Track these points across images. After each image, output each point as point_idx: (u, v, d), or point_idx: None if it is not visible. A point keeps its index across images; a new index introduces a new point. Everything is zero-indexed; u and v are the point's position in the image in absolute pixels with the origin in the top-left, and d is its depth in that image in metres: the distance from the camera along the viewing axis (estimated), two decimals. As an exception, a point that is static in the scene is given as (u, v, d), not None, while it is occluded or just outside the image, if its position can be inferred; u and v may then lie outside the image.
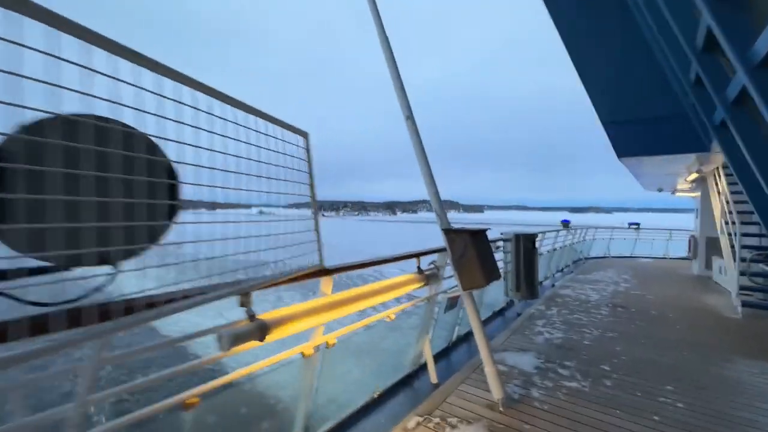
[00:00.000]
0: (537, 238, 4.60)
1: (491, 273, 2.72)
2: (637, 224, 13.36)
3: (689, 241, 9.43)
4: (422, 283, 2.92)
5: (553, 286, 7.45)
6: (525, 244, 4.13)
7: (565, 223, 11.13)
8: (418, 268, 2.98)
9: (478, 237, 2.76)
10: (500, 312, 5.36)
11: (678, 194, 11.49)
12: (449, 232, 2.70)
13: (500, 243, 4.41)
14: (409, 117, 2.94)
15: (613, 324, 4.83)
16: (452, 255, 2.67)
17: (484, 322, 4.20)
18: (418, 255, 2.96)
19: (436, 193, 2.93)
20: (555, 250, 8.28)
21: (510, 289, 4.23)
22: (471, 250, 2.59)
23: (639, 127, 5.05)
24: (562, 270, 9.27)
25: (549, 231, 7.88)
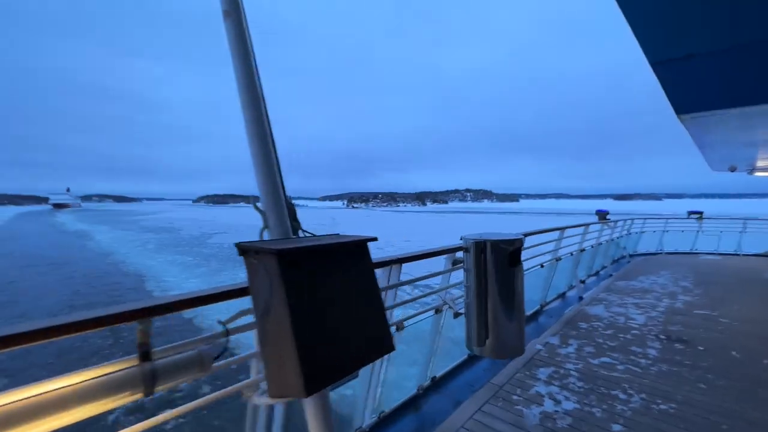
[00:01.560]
0: (532, 244, 3.48)
1: (345, 359, 1.27)
2: (699, 213, 10.82)
3: None
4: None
5: (580, 299, 5.36)
6: (496, 259, 2.33)
7: (602, 213, 8.75)
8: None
9: (329, 261, 1.32)
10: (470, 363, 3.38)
11: (759, 173, 8.61)
12: (249, 251, 1.26)
13: (459, 255, 2.72)
14: (230, 14, 1.58)
15: (668, 379, 2.97)
16: (254, 306, 1.29)
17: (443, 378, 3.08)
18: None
19: (272, 172, 1.59)
20: (583, 250, 5.95)
21: (470, 341, 2.51)
22: (283, 298, 1.13)
23: (708, 64, 2.97)
24: (597, 273, 7.18)
25: (574, 226, 5.56)
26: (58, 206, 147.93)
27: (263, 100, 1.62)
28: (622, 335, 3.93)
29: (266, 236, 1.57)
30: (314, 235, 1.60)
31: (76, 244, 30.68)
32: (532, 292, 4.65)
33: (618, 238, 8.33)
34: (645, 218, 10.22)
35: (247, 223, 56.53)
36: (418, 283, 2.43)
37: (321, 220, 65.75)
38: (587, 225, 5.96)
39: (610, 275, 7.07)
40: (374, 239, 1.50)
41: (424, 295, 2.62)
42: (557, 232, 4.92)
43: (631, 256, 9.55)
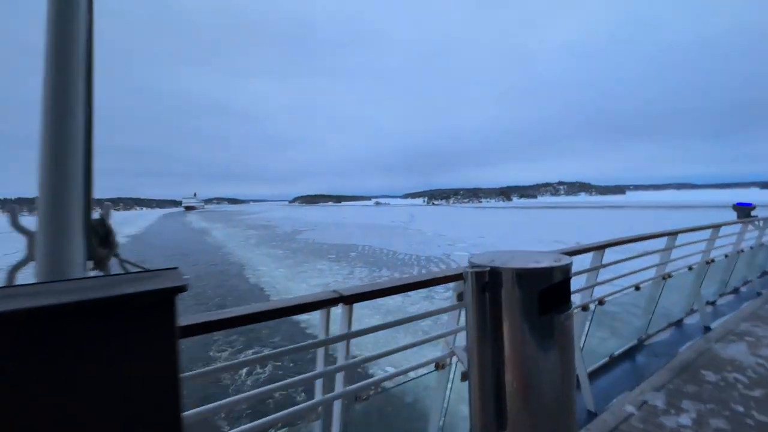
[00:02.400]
0: (605, 264, 2.50)
1: None
2: None
3: None
4: None
5: (706, 330, 3.81)
6: (515, 299, 1.34)
7: (743, 208, 5.49)
8: None
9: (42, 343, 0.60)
10: None
11: None
12: None
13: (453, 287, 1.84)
14: None
15: None
16: None
17: None
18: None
19: (63, 170, 0.91)
20: (711, 261, 4.24)
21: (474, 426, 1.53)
22: None
23: None
24: (736, 291, 5.30)
25: (693, 229, 3.95)
26: (189, 208, 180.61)
27: (84, 68, 0.97)
28: None
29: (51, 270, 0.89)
30: (129, 273, 1.02)
31: (199, 239, 37.85)
32: (626, 316, 3.49)
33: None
34: None
35: (329, 221, 61.67)
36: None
37: (401, 217, 67.87)
38: (717, 226, 4.22)
39: (759, 294, 5.02)
40: (182, 289, 0.73)
41: (417, 343, 1.69)
42: (664, 239, 3.41)
43: None
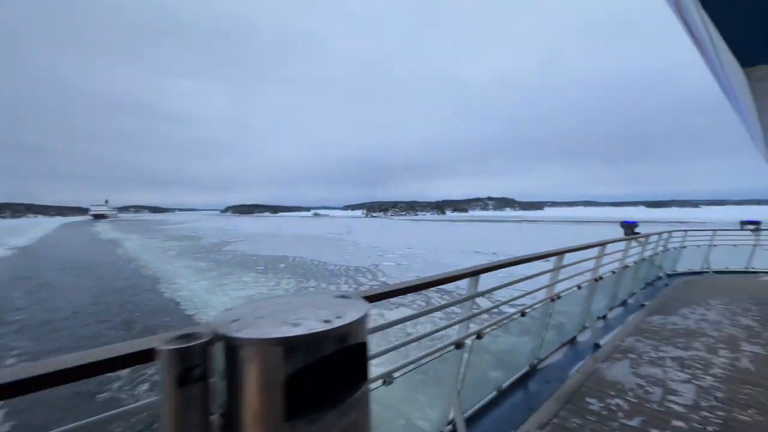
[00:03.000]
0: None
1: None
2: (756, 222, 9.01)
3: None
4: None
5: (596, 347, 3.84)
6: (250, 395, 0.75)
7: (629, 225, 6.45)
8: None
9: None
10: None
11: None
12: None
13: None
14: None
15: None
16: None
17: None
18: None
19: None
20: (599, 279, 4.23)
21: None
22: None
23: None
24: (624, 303, 5.52)
25: (582, 248, 3.84)
26: (98, 216, 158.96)
27: None
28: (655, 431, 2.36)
29: None
30: None
31: (108, 251, 33.83)
32: (518, 345, 3.33)
33: (652, 256, 6.52)
34: (686, 230, 8.41)
35: (263, 232, 59.33)
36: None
37: (338, 229, 67.73)
38: (603, 244, 4.17)
39: (642, 305, 5.28)
40: None
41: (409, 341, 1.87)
42: (552, 260, 3.23)
43: (669, 276, 7.82)
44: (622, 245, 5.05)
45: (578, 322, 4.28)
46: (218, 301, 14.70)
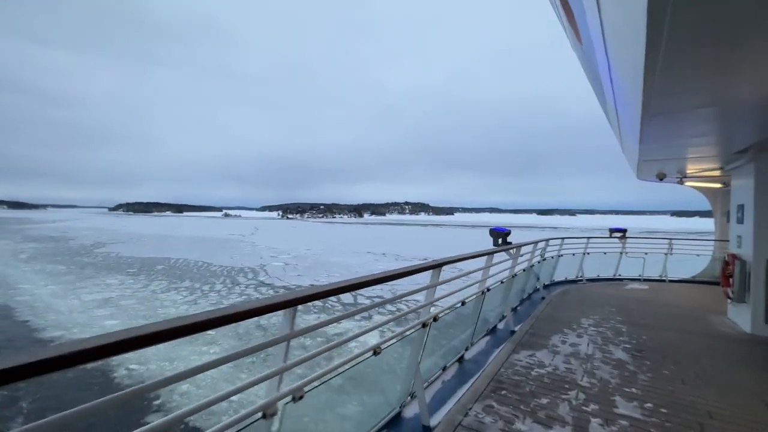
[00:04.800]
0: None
1: None
2: (622, 231, 9.32)
3: (727, 264, 5.42)
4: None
5: (512, 333, 4.57)
6: None
7: (498, 234, 5.02)
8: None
9: None
10: None
11: (689, 183, 8.04)
12: None
13: None
14: None
15: None
16: None
17: None
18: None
19: None
20: (486, 292, 3.92)
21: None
22: None
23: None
24: (493, 329, 4.81)
25: (459, 259, 3.26)
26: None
27: None
28: None
29: None
30: None
31: (-70, 255, 27.58)
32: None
33: (531, 266, 6.22)
34: (563, 239, 8.09)
35: (154, 234, 53.89)
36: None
37: (244, 230, 64.77)
38: (490, 253, 4.04)
39: (512, 332, 4.65)
40: None
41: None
42: (427, 274, 2.75)
43: (546, 286, 7.75)
44: (504, 257, 4.87)
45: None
46: (65, 304, 13.68)
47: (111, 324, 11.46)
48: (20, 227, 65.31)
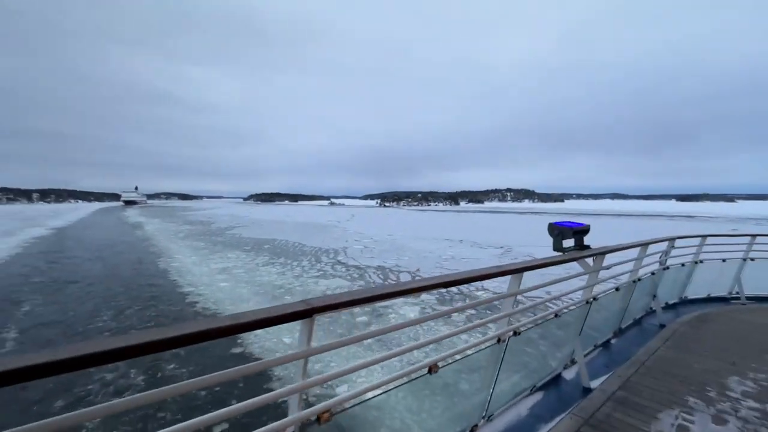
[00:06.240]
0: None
1: None
2: None
3: None
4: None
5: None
6: None
7: (563, 230, 2.88)
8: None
9: None
10: None
11: None
12: None
13: None
14: None
15: None
16: None
17: None
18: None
19: None
20: (500, 340, 2.35)
21: None
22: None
23: None
24: (555, 381, 3.22)
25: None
26: (129, 203, 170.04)
27: None
28: None
29: None
30: None
31: (129, 232, 38.95)
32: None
33: (638, 280, 4.07)
34: (703, 237, 5.32)
35: (270, 219, 63.88)
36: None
37: (340, 217, 71.49)
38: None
39: (585, 390, 3.02)
40: None
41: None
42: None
43: (669, 307, 5.40)
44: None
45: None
46: (198, 270, 18.50)
47: (224, 285, 15.25)
48: (183, 213, 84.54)
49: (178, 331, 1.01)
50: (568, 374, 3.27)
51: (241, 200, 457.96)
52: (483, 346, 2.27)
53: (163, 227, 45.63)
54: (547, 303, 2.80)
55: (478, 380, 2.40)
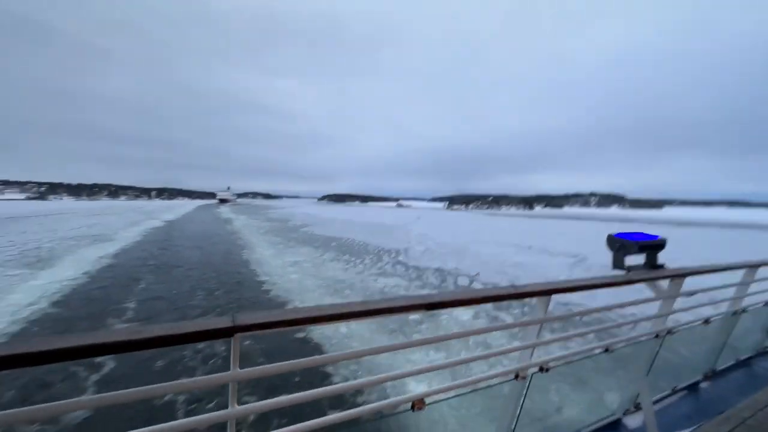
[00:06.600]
0: None
1: None
2: None
3: None
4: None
5: None
6: None
7: (626, 244, 2.19)
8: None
9: None
10: None
11: None
12: None
13: None
14: None
15: None
16: None
17: None
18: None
19: None
20: (545, 369, 1.89)
21: None
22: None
23: None
24: (614, 426, 2.58)
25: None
26: (222, 200, 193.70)
27: None
28: None
29: None
30: None
31: (221, 226, 44.60)
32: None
33: (742, 312, 3.40)
34: None
35: (340, 218, 67.27)
36: None
37: (405, 219, 72.29)
38: (583, 287, 2.03)
39: None
40: None
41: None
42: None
43: None
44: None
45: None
46: (274, 262, 20.60)
47: (293, 277, 16.80)
48: (265, 211, 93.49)
49: (55, 344, 0.89)
50: (632, 421, 2.54)
51: (316, 200, 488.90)
52: (496, 381, 1.79)
53: (248, 223, 51.24)
54: (598, 331, 2.13)
55: (487, 419, 1.99)
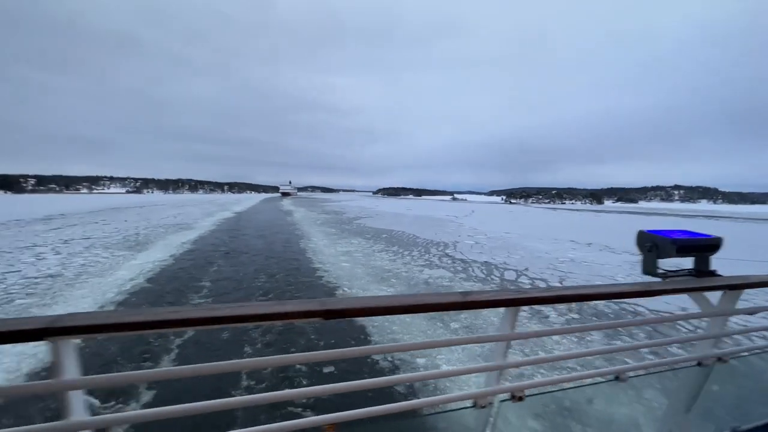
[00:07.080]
0: None
1: None
2: None
3: None
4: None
5: None
6: None
7: (664, 242, 1.54)
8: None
9: None
10: None
11: None
12: None
13: None
14: None
15: None
16: None
17: None
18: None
19: None
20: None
21: None
22: None
23: None
24: None
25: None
26: (285, 194, 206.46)
27: None
28: None
29: None
30: None
31: (283, 218, 48.16)
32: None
33: None
34: None
35: (393, 212, 68.34)
36: None
37: (459, 213, 71.24)
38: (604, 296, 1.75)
39: None
40: None
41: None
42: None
43: None
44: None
45: None
46: (327, 251, 22.07)
47: (344, 265, 17.94)
48: (322, 204, 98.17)
49: None
50: None
51: (371, 194, 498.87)
52: (453, 406, 1.47)
53: (306, 215, 54.54)
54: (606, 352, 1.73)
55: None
